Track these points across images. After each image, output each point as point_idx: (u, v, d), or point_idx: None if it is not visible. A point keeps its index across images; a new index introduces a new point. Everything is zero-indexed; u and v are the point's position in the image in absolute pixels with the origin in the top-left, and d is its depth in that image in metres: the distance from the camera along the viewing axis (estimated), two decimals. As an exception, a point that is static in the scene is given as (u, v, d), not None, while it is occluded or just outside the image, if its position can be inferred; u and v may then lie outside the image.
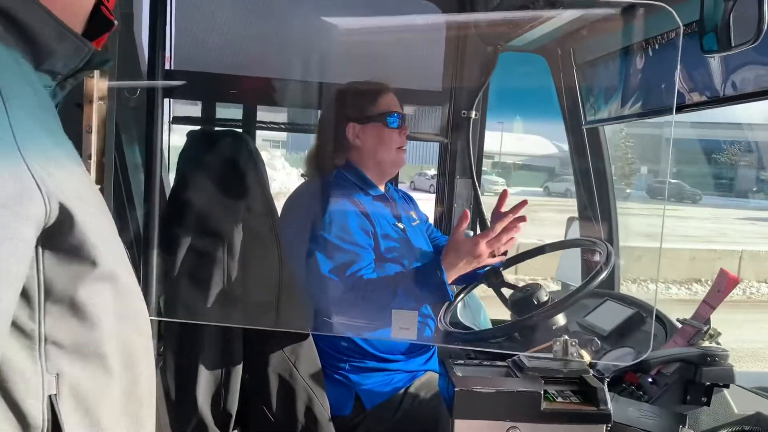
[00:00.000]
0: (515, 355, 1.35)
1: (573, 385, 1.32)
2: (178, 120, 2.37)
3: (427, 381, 1.81)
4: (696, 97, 1.86)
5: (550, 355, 1.32)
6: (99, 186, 1.38)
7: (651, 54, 2.03)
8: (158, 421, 1.68)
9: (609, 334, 2.04)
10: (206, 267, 1.60)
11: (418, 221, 2.06)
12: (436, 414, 1.48)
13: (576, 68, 2.48)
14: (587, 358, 1.35)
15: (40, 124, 0.59)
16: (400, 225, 1.93)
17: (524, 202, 1.87)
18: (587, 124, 2.51)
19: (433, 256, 1.92)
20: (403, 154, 1.96)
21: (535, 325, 1.82)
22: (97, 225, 0.61)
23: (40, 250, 0.56)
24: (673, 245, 12.86)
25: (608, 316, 2.12)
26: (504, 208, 1.87)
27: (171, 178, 2.29)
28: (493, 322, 2.48)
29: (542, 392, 1.23)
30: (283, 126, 2.54)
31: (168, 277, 1.60)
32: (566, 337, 1.33)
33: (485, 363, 1.36)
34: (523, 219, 1.79)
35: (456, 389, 1.20)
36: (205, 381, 1.61)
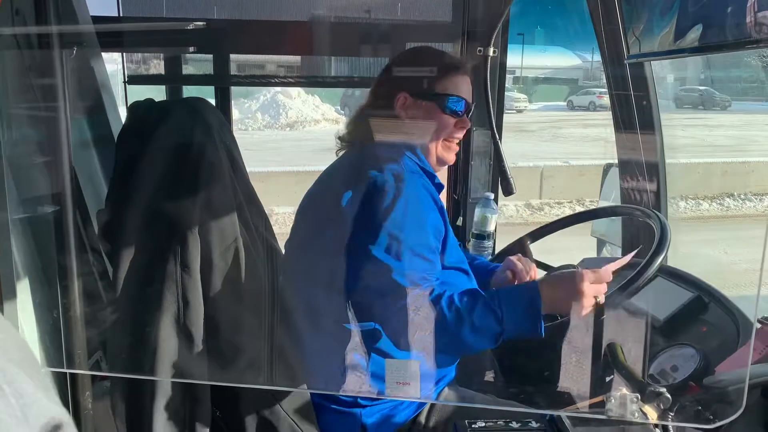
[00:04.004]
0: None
1: (635, 456, 0.98)
2: (134, 80, 1.98)
3: (438, 406, 1.49)
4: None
5: (602, 415, 0.98)
6: None
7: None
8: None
9: (663, 324, 1.68)
10: (154, 289, 1.25)
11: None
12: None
13: (617, -11, 2.01)
14: (653, 417, 1.01)
15: None
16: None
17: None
18: (630, 58, 2.06)
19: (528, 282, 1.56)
20: (452, 152, 1.57)
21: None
22: None
23: None
24: (704, 158, 12.34)
25: (660, 300, 1.76)
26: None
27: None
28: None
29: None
30: (267, 80, 2.13)
31: (107, 308, 1.26)
32: (624, 390, 0.97)
33: (514, 425, 1.02)
34: None
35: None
36: (163, 422, 1.30)
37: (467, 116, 1.54)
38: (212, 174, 1.34)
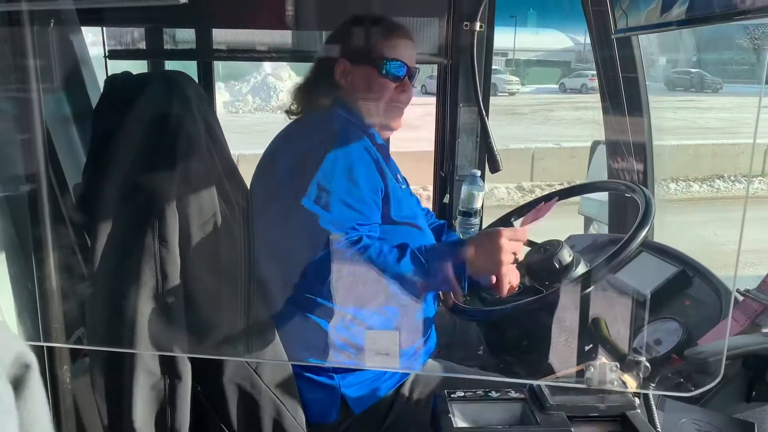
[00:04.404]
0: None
1: (614, 424, 0.98)
2: (115, 54, 1.95)
3: (421, 377, 1.49)
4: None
5: (582, 384, 0.97)
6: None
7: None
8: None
9: (647, 298, 1.68)
10: (131, 264, 1.24)
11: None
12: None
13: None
14: (632, 386, 1.00)
15: None
16: (403, 186, 1.56)
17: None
18: (618, 33, 2.04)
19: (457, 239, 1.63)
20: (397, 117, 1.57)
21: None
22: None
23: None
24: (695, 140, 12.37)
25: (645, 274, 1.76)
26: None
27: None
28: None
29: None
30: (249, 54, 2.09)
31: (84, 282, 1.25)
32: (603, 359, 0.97)
33: (493, 395, 1.02)
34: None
35: (451, 458, 0.86)
36: (143, 397, 1.29)
37: (410, 80, 1.54)
38: (190, 147, 1.32)
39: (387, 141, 1.70)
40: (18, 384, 0.51)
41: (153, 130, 1.31)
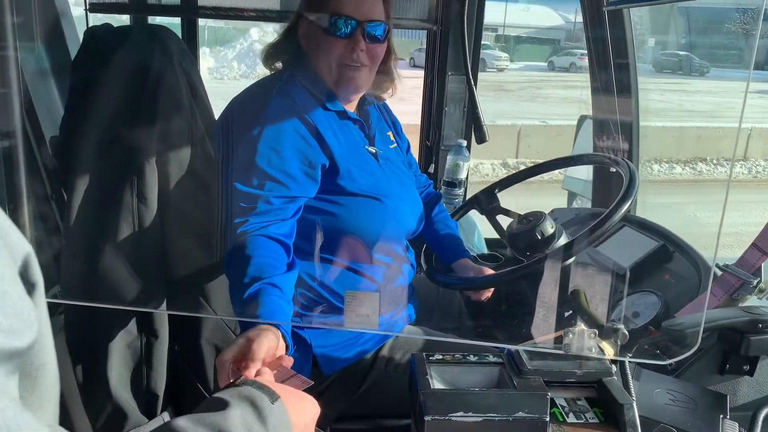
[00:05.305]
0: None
1: (590, 390, 0.98)
2: (96, 7, 1.89)
3: (402, 340, 1.48)
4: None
5: (560, 350, 0.97)
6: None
7: None
8: (70, 411, 1.37)
9: (627, 272, 1.69)
10: (109, 220, 1.21)
11: (395, 144, 1.62)
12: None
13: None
14: (610, 353, 1.01)
15: None
16: (372, 149, 1.50)
17: None
18: (609, 5, 2.02)
19: None
20: (352, 76, 1.42)
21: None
22: None
23: None
24: (679, 123, 12.43)
25: (626, 248, 1.76)
26: None
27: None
28: (488, 242, 2.14)
29: (548, 412, 0.89)
30: (234, 12, 2.04)
31: (59, 236, 1.22)
32: (582, 326, 0.97)
33: (471, 358, 1.01)
34: None
35: (427, 419, 0.86)
36: (119, 356, 1.27)
37: (365, 36, 1.40)
38: (170, 102, 1.29)
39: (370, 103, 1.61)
40: None
41: (132, 84, 1.28)
